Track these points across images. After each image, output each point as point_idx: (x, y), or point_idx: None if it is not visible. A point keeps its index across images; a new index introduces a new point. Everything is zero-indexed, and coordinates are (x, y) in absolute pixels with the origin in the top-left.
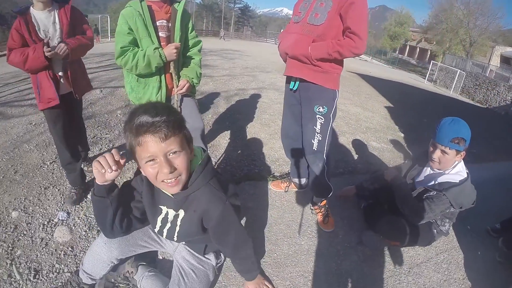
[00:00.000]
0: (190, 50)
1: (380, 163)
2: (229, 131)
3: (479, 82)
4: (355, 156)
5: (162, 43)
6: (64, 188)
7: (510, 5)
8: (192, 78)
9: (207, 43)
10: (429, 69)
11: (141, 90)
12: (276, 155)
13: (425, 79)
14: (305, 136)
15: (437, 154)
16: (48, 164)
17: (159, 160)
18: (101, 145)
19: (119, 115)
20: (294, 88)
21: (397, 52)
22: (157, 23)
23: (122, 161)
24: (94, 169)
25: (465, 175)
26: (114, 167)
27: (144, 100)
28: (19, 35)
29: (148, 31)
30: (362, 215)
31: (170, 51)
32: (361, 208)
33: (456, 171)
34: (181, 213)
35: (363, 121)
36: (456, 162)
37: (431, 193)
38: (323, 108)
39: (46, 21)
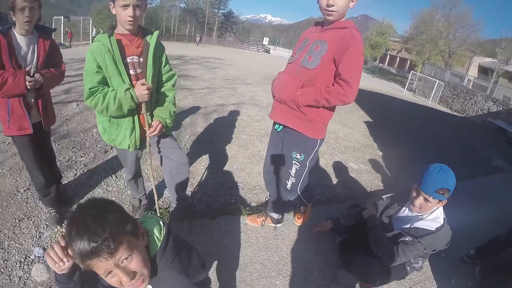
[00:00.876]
0: (164, 85)
1: (358, 187)
2: (206, 155)
3: (457, 92)
4: (334, 180)
5: (133, 82)
6: (38, 220)
7: (489, 18)
8: (165, 119)
9: (188, 49)
10: (409, 78)
11: (113, 132)
12: (253, 182)
13: (404, 88)
14: (281, 175)
15: (419, 201)
16: (22, 192)
17: (115, 272)
18: (75, 169)
19: (95, 135)
20: (278, 130)
21: (377, 61)
22: (128, 60)
23: (71, 252)
24: (48, 261)
25: (442, 222)
26: (65, 260)
27: (117, 142)
28: None
29: (118, 69)
30: (337, 250)
31: (141, 92)
32: (336, 243)
33: (433, 217)
34: None
35: (342, 140)
36: (435, 208)
37: (406, 238)
38: (300, 155)
39: (26, 48)
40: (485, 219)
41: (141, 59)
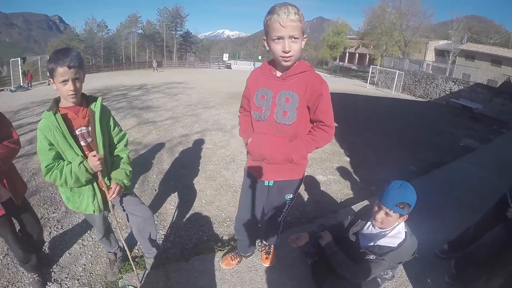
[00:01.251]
0: (117, 146)
1: (328, 200)
2: (175, 193)
3: (417, 78)
4: (304, 197)
5: (86, 152)
6: (23, 285)
7: (437, 3)
8: (122, 180)
9: (150, 76)
10: (370, 72)
11: (77, 200)
12: (223, 215)
13: (367, 83)
14: (271, 216)
15: (380, 215)
16: (2, 258)
17: None
18: (49, 227)
19: None
20: (271, 184)
21: (337, 60)
22: (77, 132)
23: None
24: None
25: (403, 236)
26: None
27: (82, 208)
28: None
29: (69, 143)
30: (310, 272)
31: (94, 163)
32: (308, 265)
33: (394, 233)
34: None
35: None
36: (397, 224)
37: (370, 257)
38: (293, 195)
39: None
40: (458, 207)
41: (90, 128)
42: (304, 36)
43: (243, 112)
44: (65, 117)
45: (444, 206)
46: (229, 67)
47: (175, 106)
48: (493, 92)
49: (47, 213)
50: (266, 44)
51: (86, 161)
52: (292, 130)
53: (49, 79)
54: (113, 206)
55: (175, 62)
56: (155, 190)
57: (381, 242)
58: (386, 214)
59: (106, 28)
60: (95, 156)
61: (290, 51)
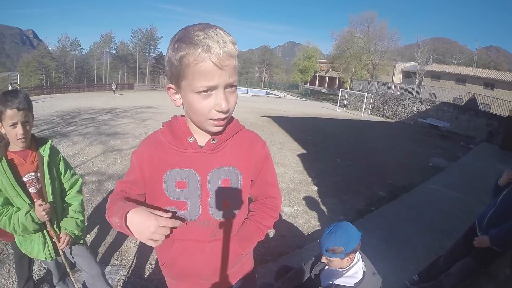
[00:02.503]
0: (68, 193)
1: (295, 233)
2: None
3: (386, 99)
4: (269, 232)
5: (35, 199)
6: None
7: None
8: (72, 230)
9: (121, 99)
10: (339, 95)
11: (29, 245)
12: None
13: (337, 106)
14: None
15: (323, 260)
16: None
17: None
18: (8, 264)
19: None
20: None
21: (308, 84)
22: (24, 179)
23: None
24: None
25: (360, 276)
26: None
27: (34, 254)
28: None
29: (16, 191)
30: None
31: (39, 214)
32: None
33: (351, 273)
34: None
35: None
36: (353, 263)
37: None
38: None
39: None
40: (429, 231)
41: (39, 174)
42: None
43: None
44: (11, 163)
45: (414, 231)
46: None
47: (143, 133)
48: (459, 109)
49: (6, 248)
50: (175, 98)
51: (33, 211)
52: (237, 221)
53: None
54: (63, 252)
55: (148, 85)
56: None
57: (339, 281)
58: (328, 261)
59: (79, 46)
60: (41, 205)
61: (228, 110)
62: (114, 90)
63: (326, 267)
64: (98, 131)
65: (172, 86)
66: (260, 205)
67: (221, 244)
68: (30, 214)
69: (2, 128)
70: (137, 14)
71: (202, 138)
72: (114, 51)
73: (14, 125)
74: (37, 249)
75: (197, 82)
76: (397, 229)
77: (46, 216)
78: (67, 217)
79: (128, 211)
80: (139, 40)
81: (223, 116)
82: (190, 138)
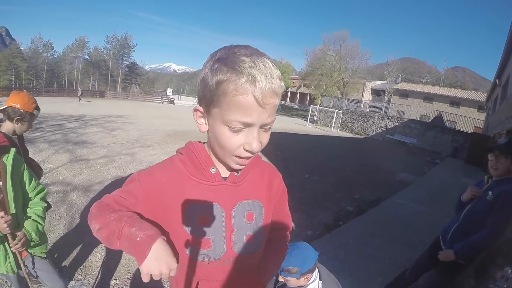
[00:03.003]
0: (33, 199)
1: None
2: (102, 244)
3: (355, 116)
4: None
5: None
6: None
7: (374, 47)
8: (31, 233)
9: (91, 107)
10: (310, 111)
11: None
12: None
13: (307, 121)
14: None
15: (280, 279)
16: None
17: None
18: None
19: None
20: None
21: (280, 99)
22: None
23: None
24: None
25: None
26: None
27: None
28: None
29: None
30: None
31: (1, 226)
32: None
33: None
34: None
35: None
36: (309, 282)
37: None
38: None
39: None
40: (396, 245)
41: (1, 183)
42: None
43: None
44: None
45: (381, 245)
46: (172, 102)
47: (111, 143)
48: (426, 126)
49: None
50: (201, 122)
51: None
52: (257, 259)
53: None
54: (25, 265)
55: (119, 93)
56: (82, 240)
57: None
58: (285, 280)
59: (52, 49)
60: (2, 217)
61: (258, 151)
62: (79, 97)
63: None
64: (66, 139)
65: (200, 109)
66: (277, 235)
67: (247, 280)
68: None
69: None
70: (113, 20)
71: (224, 169)
72: (87, 57)
73: None
74: None
75: (232, 115)
76: (365, 243)
77: (7, 228)
78: (28, 219)
79: (162, 237)
80: (113, 47)
81: (251, 155)
82: (212, 169)
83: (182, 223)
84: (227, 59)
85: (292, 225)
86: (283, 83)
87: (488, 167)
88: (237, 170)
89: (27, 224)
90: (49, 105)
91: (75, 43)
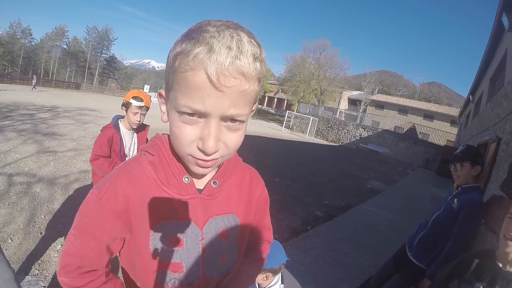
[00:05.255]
0: None
1: None
2: (62, 238)
3: (330, 124)
4: None
5: None
6: None
7: (353, 58)
8: None
9: (65, 98)
10: (286, 117)
11: None
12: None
13: (282, 126)
14: None
15: None
16: None
17: None
18: None
19: None
20: None
21: (257, 103)
22: None
23: None
24: None
25: None
26: None
27: None
28: (109, 147)
29: None
30: None
31: None
32: None
33: None
34: None
35: None
36: (270, 284)
37: None
38: None
39: (130, 141)
40: (364, 251)
41: None
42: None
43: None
44: None
45: (348, 251)
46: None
47: (81, 136)
48: (399, 137)
49: None
50: (164, 110)
51: None
52: (233, 273)
53: None
54: None
55: (95, 86)
56: (41, 233)
57: None
58: None
59: (30, 36)
60: None
61: (216, 152)
62: (34, 85)
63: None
64: (35, 129)
65: (163, 92)
66: (250, 256)
67: None
68: None
69: None
70: (95, 11)
71: (195, 178)
72: (65, 46)
73: None
74: None
75: (181, 98)
76: (332, 249)
77: None
78: None
79: None
80: (93, 39)
81: (206, 158)
82: (185, 178)
83: (149, 246)
84: (194, 31)
85: (272, 239)
86: (259, 65)
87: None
88: (216, 178)
89: None
90: (22, 94)
91: (54, 32)
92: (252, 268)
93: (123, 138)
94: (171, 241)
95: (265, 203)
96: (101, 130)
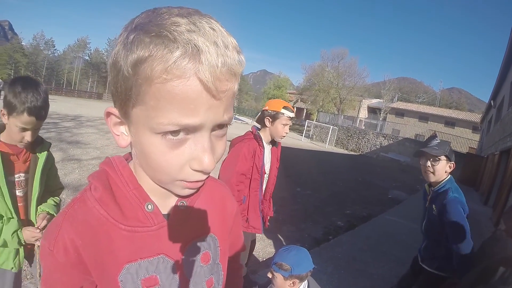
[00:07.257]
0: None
1: (250, 259)
2: None
3: (350, 133)
4: None
5: (19, 204)
6: None
7: (372, 65)
8: (49, 211)
9: (87, 108)
10: (305, 126)
11: None
12: None
13: (302, 136)
14: None
15: (269, 274)
16: None
17: None
18: None
19: None
20: None
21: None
22: (15, 178)
23: None
24: None
25: None
26: None
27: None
28: (249, 164)
29: (1, 191)
30: None
31: (28, 237)
32: None
33: None
34: None
35: None
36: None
37: None
38: None
39: (268, 156)
40: (386, 261)
41: (28, 176)
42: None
43: None
44: (4, 157)
45: (370, 261)
46: None
47: (105, 145)
48: (420, 145)
49: None
50: (119, 132)
51: (21, 231)
52: None
53: (1, 109)
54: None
55: None
56: None
57: None
58: (272, 276)
59: (53, 47)
60: (30, 231)
61: (212, 169)
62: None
63: None
64: (60, 138)
65: (114, 111)
66: (235, 261)
67: None
68: (18, 235)
69: (5, 118)
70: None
71: (163, 201)
72: (87, 57)
73: (24, 130)
74: (5, 257)
75: (164, 115)
76: (354, 258)
77: (34, 239)
78: (46, 203)
79: None
80: None
81: (203, 177)
82: (148, 206)
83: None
84: (149, 23)
85: (245, 246)
86: (242, 59)
87: (423, 173)
88: (183, 199)
89: (47, 206)
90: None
91: (76, 43)
92: (237, 276)
93: (264, 153)
94: (144, 283)
95: (237, 215)
96: (235, 142)
